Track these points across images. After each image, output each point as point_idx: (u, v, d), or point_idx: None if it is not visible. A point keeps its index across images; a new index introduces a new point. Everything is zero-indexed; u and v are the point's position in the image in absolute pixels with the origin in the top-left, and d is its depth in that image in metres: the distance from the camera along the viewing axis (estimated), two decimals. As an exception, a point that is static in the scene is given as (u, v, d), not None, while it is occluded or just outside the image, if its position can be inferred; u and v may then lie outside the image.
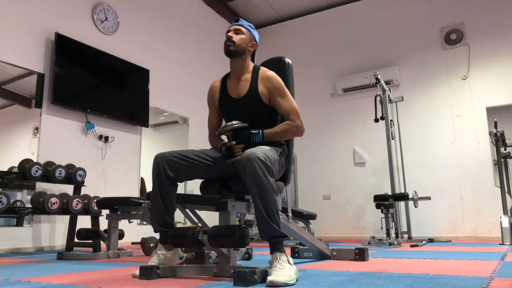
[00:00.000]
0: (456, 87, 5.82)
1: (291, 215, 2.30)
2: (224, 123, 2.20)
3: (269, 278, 1.53)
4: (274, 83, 2.06)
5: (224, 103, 2.15)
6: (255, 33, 2.18)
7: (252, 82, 2.08)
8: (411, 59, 6.16)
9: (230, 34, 2.10)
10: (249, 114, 2.07)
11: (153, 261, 1.95)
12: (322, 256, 2.65)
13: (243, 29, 2.12)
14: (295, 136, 2.09)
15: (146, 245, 3.32)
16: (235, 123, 2.00)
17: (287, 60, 2.31)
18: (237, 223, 1.93)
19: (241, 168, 1.72)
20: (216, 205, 1.92)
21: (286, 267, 1.62)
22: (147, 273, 1.78)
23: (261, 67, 2.15)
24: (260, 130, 1.99)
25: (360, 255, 2.52)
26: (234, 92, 2.12)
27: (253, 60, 2.20)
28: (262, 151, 1.75)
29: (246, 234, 1.69)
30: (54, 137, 4.10)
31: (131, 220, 3.81)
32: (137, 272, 1.83)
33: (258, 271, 1.58)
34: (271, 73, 2.09)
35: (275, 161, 1.84)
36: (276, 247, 1.71)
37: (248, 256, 2.68)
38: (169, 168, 1.91)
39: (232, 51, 2.07)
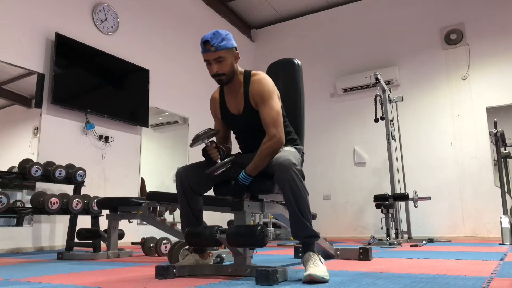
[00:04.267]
0: (456, 87, 5.82)
1: None
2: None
3: (307, 272, 1.61)
4: (258, 90, 1.92)
5: (227, 120, 2.09)
6: (230, 42, 1.90)
7: (245, 97, 1.97)
8: (411, 59, 6.16)
9: (214, 69, 1.88)
10: (252, 128, 2.02)
11: (185, 261, 1.96)
12: (325, 255, 2.65)
13: (221, 53, 1.86)
14: (276, 148, 1.86)
15: (146, 245, 3.32)
16: (218, 165, 1.84)
17: (297, 61, 2.29)
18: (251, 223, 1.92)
19: (276, 171, 1.75)
20: (232, 204, 1.89)
21: (321, 265, 1.69)
22: (163, 272, 1.78)
23: (252, 73, 1.99)
24: (242, 172, 1.85)
25: (364, 254, 2.53)
26: (234, 108, 2.03)
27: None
28: (292, 154, 1.79)
29: (266, 234, 1.69)
30: (54, 137, 4.10)
31: (131, 220, 3.82)
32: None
33: (279, 270, 1.59)
34: (258, 79, 1.94)
35: (300, 162, 1.90)
36: (308, 247, 1.77)
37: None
38: (193, 183, 1.93)
39: (225, 82, 1.94)
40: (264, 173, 1.87)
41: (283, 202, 2.17)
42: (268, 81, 1.95)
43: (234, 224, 1.83)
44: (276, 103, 1.92)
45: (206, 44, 1.86)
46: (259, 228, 1.68)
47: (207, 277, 1.81)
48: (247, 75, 1.98)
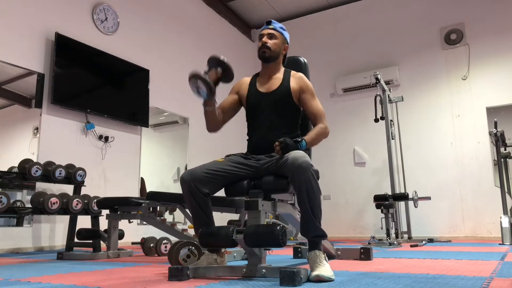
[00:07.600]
0: (456, 87, 5.82)
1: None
2: (246, 122, 2.22)
3: (314, 272, 1.65)
4: (307, 83, 2.13)
5: (253, 98, 2.16)
6: (287, 34, 2.18)
7: (284, 79, 2.13)
8: (411, 59, 6.16)
9: (264, 39, 2.10)
10: (277, 108, 2.09)
11: (202, 262, 1.94)
12: (326, 256, 2.65)
13: (275, 32, 2.12)
14: (324, 138, 2.10)
15: (146, 245, 3.32)
16: (226, 59, 1.97)
17: (303, 59, 2.33)
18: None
19: (293, 172, 1.78)
20: (246, 204, 1.85)
21: (326, 264, 1.74)
22: (177, 274, 1.73)
23: (293, 71, 2.17)
24: (303, 139, 1.98)
25: (366, 254, 2.54)
26: (264, 87, 2.15)
27: (284, 61, 2.21)
28: (307, 155, 1.85)
29: (286, 234, 1.67)
30: (54, 137, 4.10)
31: (131, 220, 3.81)
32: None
33: (303, 271, 1.59)
34: (302, 75, 2.16)
35: None
36: (315, 246, 1.82)
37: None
38: (201, 186, 1.89)
39: (268, 57, 2.10)
40: (276, 173, 1.88)
41: (291, 202, 2.18)
42: None
43: (250, 224, 1.79)
44: None
45: (267, 23, 2.15)
46: (278, 227, 1.64)
47: (221, 278, 1.79)
48: (288, 70, 2.18)
